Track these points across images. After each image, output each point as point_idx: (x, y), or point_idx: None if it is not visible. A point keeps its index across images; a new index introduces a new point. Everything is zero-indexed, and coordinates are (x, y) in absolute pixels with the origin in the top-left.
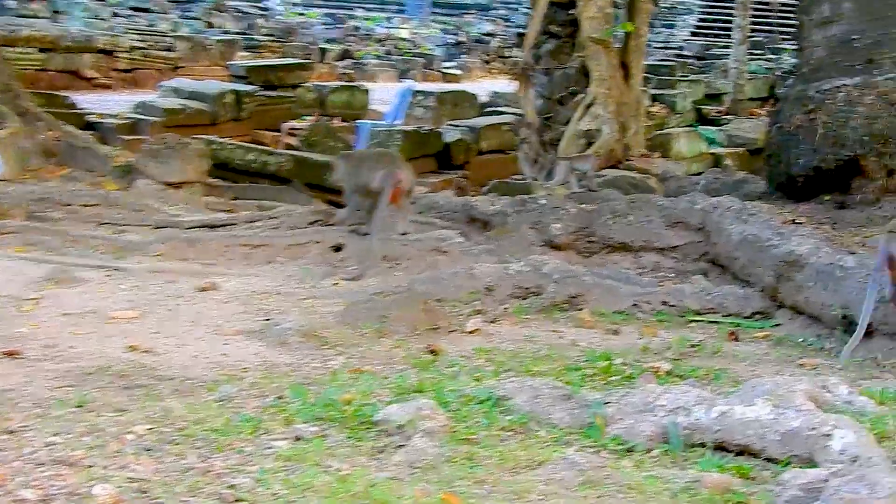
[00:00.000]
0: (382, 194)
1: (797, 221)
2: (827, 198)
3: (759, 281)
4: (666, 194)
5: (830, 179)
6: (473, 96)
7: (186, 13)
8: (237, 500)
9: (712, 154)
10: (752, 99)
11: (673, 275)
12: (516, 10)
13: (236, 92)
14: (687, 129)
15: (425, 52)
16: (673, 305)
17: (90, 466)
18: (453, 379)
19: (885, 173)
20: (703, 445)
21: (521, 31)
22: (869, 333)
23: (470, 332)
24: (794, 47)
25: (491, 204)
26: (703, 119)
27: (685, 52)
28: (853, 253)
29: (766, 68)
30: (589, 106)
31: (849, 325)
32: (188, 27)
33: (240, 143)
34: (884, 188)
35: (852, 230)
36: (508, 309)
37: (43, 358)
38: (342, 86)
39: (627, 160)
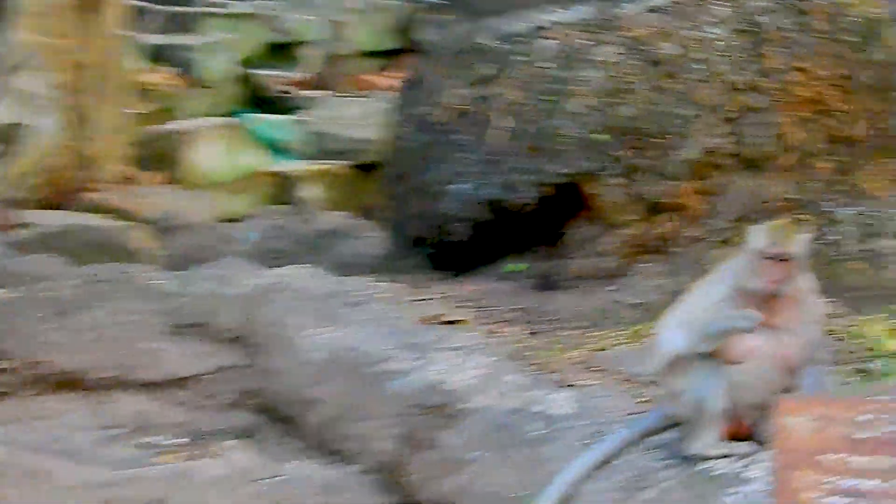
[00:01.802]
0: None
1: (452, 321)
2: (519, 267)
3: (364, 451)
4: (170, 262)
5: (525, 224)
6: None
7: None
8: None
9: (277, 174)
10: (365, 54)
11: (186, 438)
12: None
13: None
14: (223, 120)
15: None
16: None
17: None
18: None
19: (643, 210)
20: None
21: None
22: None
23: None
24: None
25: None
26: (259, 98)
27: None
28: (571, 386)
29: None
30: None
31: None
32: None
33: None
34: (636, 241)
35: (569, 334)
36: None
37: None
38: None
39: (89, 189)
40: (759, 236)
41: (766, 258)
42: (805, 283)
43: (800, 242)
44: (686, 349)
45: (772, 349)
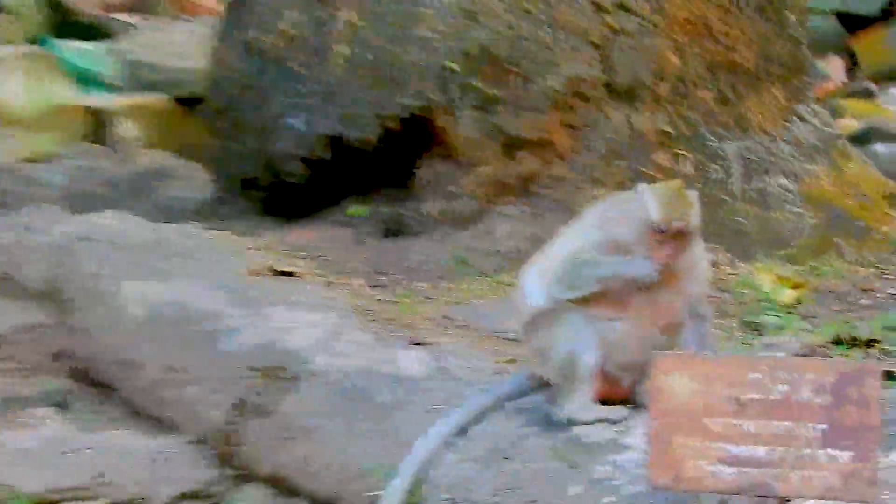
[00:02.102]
0: None
1: (287, 272)
2: (362, 212)
3: (192, 418)
4: None
5: (369, 163)
6: None
7: None
8: None
9: (88, 108)
10: None
11: None
12: None
13: None
14: (27, 49)
15: None
16: None
17: None
18: None
19: (502, 146)
20: None
21: None
22: None
23: None
24: None
25: None
26: (67, 24)
27: None
28: (424, 344)
29: None
30: None
31: None
32: None
33: None
34: (496, 180)
35: (421, 286)
36: None
37: None
38: None
39: None
40: (651, 206)
41: (660, 233)
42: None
43: (696, 211)
44: (555, 299)
45: (652, 304)
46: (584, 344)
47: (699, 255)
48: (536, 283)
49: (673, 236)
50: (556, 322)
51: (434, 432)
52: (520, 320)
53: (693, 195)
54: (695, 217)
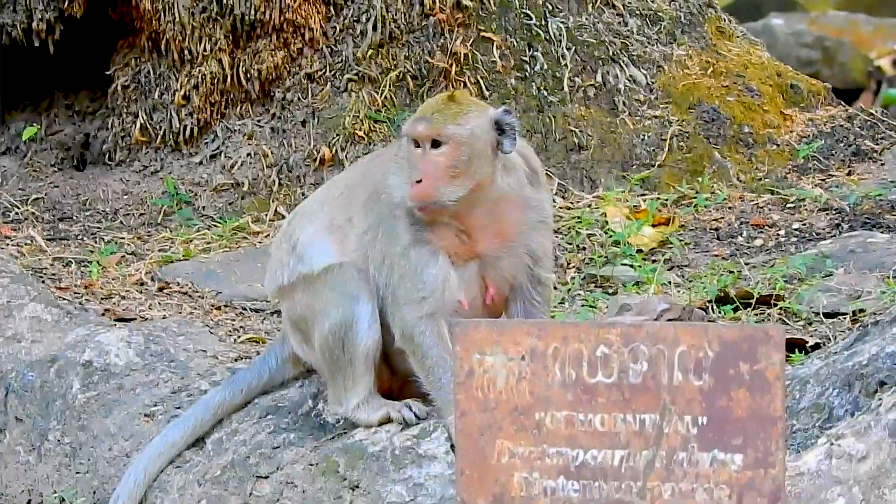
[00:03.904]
0: None
1: None
2: (30, 132)
3: None
4: None
5: (44, 64)
6: None
7: None
8: None
9: None
10: None
11: None
12: None
13: None
14: None
15: None
16: None
17: None
18: None
19: (228, 33)
20: None
21: None
22: None
23: None
24: None
25: None
26: None
27: None
28: (130, 320)
29: None
30: None
31: None
32: None
33: None
34: (221, 82)
35: (120, 238)
36: None
37: None
38: None
39: None
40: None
41: (412, 143)
42: (510, 177)
43: (466, 117)
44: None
45: (474, 293)
46: (361, 310)
47: (533, 201)
48: (322, 238)
49: (426, 147)
50: (328, 281)
51: (155, 445)
52: (276, 281)
53: (469, 103)
54: (458, 122)
